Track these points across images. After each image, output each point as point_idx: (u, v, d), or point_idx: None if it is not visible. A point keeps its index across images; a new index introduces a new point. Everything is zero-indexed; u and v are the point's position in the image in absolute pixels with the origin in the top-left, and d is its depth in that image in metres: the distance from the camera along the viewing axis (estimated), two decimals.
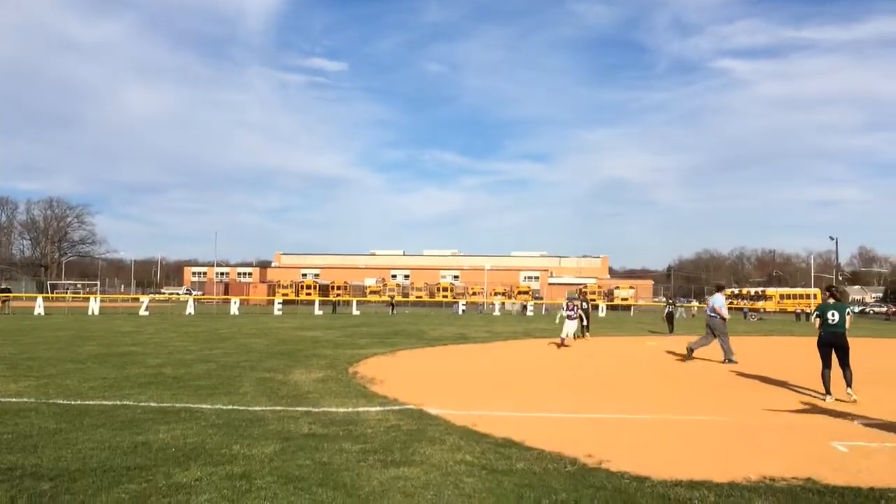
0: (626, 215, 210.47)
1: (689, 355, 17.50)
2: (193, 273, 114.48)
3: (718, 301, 17.81)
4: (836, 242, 77.48)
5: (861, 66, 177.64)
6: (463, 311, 55.65)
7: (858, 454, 7.19)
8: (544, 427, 8.35)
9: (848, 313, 11.33)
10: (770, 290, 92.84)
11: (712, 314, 17.70)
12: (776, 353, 20.96)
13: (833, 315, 11.29)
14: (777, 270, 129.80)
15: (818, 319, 11.47)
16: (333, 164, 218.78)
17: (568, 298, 13.89)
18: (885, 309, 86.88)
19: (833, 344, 11.27)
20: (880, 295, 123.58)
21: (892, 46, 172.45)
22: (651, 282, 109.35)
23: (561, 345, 21.00)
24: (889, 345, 25.74)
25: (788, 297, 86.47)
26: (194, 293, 79.32)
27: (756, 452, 7.14)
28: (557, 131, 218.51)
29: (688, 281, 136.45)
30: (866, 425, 8.80)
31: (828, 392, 11.16)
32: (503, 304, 66.49)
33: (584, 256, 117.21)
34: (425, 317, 45.85)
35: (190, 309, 43.63)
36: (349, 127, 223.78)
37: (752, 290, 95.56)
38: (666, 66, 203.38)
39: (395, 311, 52.59)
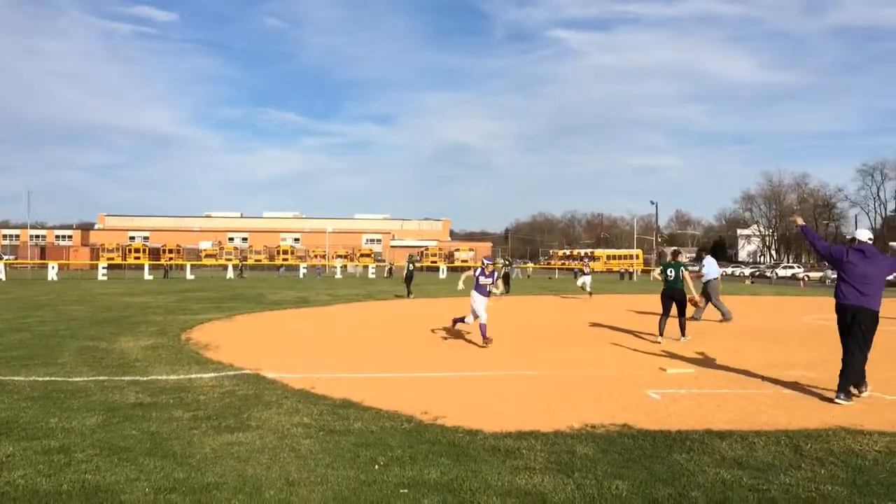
0: (466, 179, 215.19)
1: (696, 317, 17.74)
2: (4, 236, 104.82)
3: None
4: (656, 207, 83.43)
5: (680, 41, 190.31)
6: (304, 274, 54.90)
7: (668, 400, 7.85)
8: (382, 387, 8.45)
9: (682, 271, 13.72)
10: (598, 252, 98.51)
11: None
12: (604, 312, 22.30)
13: (671, 272, 13.65)
14: (604, 233, 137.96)
15: (662, 275, 13.85)
16: (164, 121, 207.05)
17: (484, 261, 13.33)
18: (697, 268, 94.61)
19: (672, 297, 13.62)
20: (693, 255, 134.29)
21: (709, 23, 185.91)
22: (490, 244, 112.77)
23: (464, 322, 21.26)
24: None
25: (614, 257, 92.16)
26: (6, 257, 72.80)
27: (579, 403, 7.61)
28: (399, 94, 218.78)
29: (524, 243, 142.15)
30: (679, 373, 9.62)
31: (661, 334, 13.44)
32: (345, 266, 66.24)
33: (426, 219, 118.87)
34: (264, 280, 44.84)
35: (0, 275, 40.04)
36: (181, 82, 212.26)
37: (583, 252, 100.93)
38: (503, 34, 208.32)
39: (244, 275, 50.61)
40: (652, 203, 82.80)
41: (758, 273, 74.68)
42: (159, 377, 8.87)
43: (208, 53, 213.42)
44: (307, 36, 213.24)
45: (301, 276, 54.63)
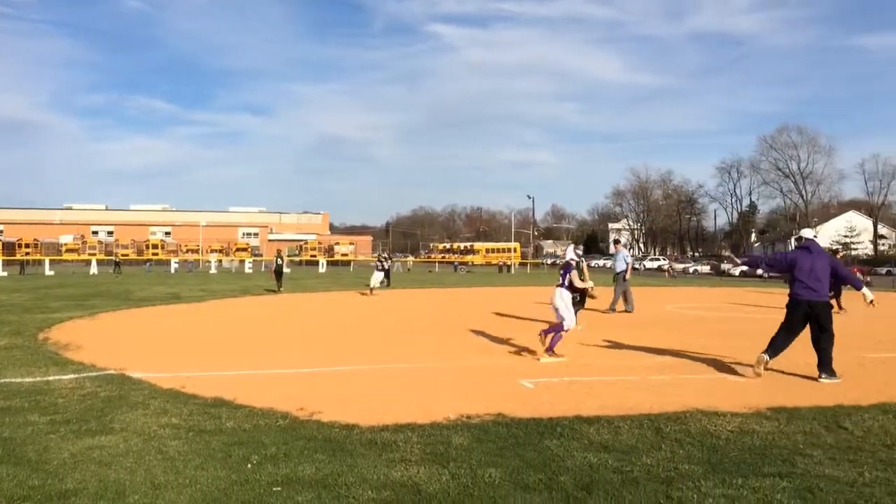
0: (345, 172, 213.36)
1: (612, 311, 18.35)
2: None
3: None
4: (533, 201, 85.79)
5: (553, 41, 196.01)
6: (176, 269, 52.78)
7: (542, 389, 8.09)
8: (257, 384, 8.26)
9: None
10: (477, 245, 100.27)
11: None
12: (482, 304, 22.68)
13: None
14: (483, 227, 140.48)
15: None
16: (18, 106, 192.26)
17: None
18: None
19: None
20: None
21: (580, 24, 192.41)
22: (370, 238, 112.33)
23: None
24: None
25: (493, 251, 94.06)
26: None
27: (456, 394, 7.72)
28: (275, 84, 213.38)
29: (405, 237, 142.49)
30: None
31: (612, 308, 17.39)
32: (220, 261, 64.21)
33: (305, 213, 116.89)
34: (132, 276, 42.78)
35: None
36: (38, 65, 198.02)
37: (462, 245, 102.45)
38: (382, 26, 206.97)
39: (120, 271, 47.79)
40: (529, 198, 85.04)
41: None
42: (13, 380, 8.29)
43: (68, 35, 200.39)
44: (174, 20, 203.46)
45: (172, 271, 52.52)
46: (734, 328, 14.97)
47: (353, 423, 6.28)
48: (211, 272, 51.94)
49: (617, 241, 20.00)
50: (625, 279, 18.64)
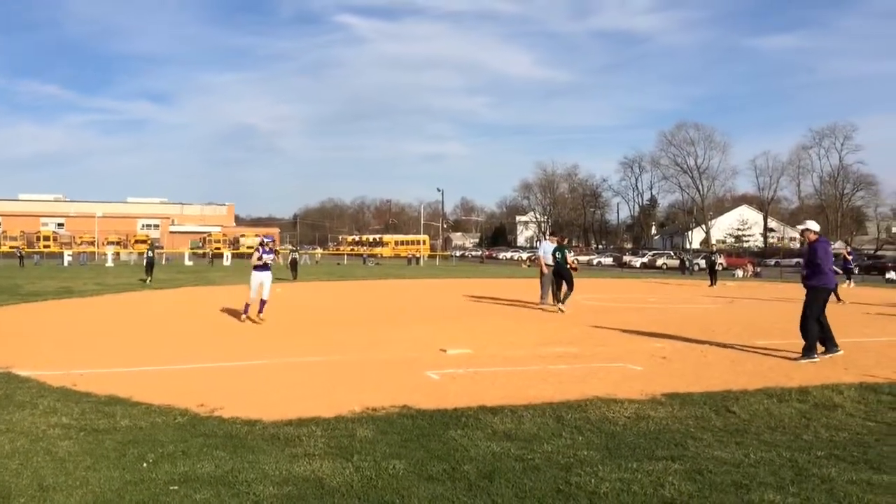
0: (252, 162, 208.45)
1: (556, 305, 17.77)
2: None
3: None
4: (443, 194, 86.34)
5: (463, 35, 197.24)
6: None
7: (447, 380, 8.17)
8: (155, 381, 7.99)
9: (567, 252, 17.48)
10: (387, 237, 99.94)
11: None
12: (388, 296, 22.65)
13: (559, 254, 17.26)
14: (393, 219, 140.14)
15: (551, 256, 17.44)
16: None
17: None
18: (480, 253, 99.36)
19: (558, 273, 17.16)
20: (476, 240, 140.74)
21: (490, 20, 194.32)
22: (278, 230, 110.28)
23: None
24: (476, 284, 29.55)
25: (402, 243, 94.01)
26: None
27: (362, 387, 7.68)
28: (179, 71, 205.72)
29: (313, 229, 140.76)
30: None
31: (555, 302, 17.12)
32: (117, 254, 61.69)
33: (209, 203, 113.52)
34: (21, 270, 40.58)
35: None
36: None
37: (371, 238, 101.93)
38: (291, 15, 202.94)
39: (23, 264, 44.92)
40: (438, 190, 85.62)
41: (534, 257, 79.81)
42: None
43: None
44: (67, 2, 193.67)
45: (65, 264, 50.14)
46: (636, 318, 15.48)
47: (256, 418, 6.16)
48: (108, 265, 49.82)
49: (553, 234, 20.43)
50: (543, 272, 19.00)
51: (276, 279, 15.25)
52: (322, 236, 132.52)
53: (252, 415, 6.27)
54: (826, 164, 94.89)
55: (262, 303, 14.00)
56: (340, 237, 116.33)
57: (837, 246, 58.53)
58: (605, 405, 6.78)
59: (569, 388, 7.65)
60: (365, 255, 72.31)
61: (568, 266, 17.21)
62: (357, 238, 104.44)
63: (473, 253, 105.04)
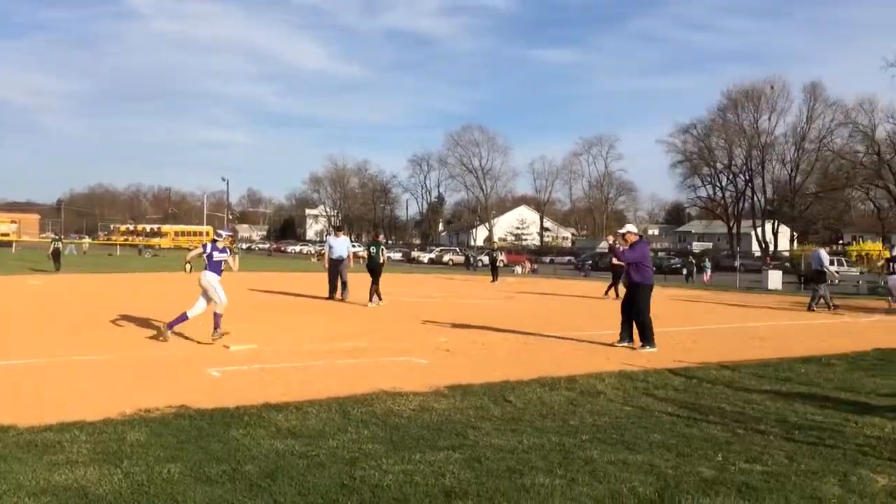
0: (6, 141, 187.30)
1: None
2: None
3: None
4: (228, 184, 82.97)
5: (251, 20, 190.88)
6: None
7: (229, 377, 7.87)
8: None
9: (382, 250, 17.93)
10: (165, 228, 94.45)
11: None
12: (174, 288, 21.46)
13: (373, 250, 17.84)
14: (173, 208, 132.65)
15: (366, 252, 18.06)
16: None
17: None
18: (268, 246, 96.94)
19: (371, 269, 17.41)
20: (264, 233, 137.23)
21: (280, 7, 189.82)
22: (38, 216, 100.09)
23: None
24: (277, 278, 28.78)
25: (183, 234, 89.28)
26: None
27: (135, 387, 7.18)
28: None
29: (80, 216, 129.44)
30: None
31: (379, 299, 17.07)
32: None
33: None
34: None
35: None
36: None
37: (148, 227, 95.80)
38: None
39: None
40: (223, 180, 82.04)
41: (322, 251, 79.21)
42: None
43: None
44: None
45: None
46: (423, 313, 15.87)
47: (9, 424, 5.54)
48: None
49: (338, 228, 20.40)
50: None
51: (36, 270, 13.70)
52: (91, 225, 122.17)
53: (5, 420, 5.63)
54: (594, 170, 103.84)
55: (218, 316, 10.56)
56: (112, 226, 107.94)
57: (602, 246, 63.94)
58: (390, 399, 6.87)
59: (355, 382, 7.67)
60: (141, 247, 67.73)
61: (381, 263, 17.64)
62: (132, 227, 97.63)
63: (261, 246, 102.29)
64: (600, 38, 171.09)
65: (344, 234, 21.77)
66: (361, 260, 21.64)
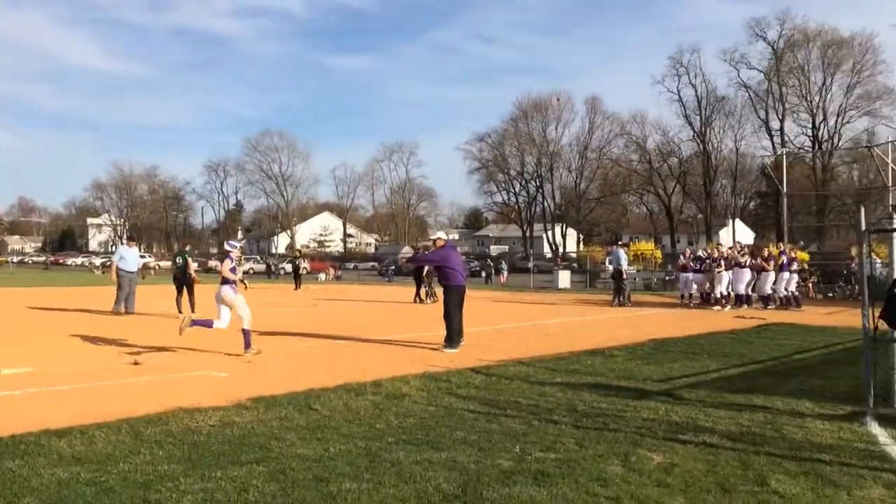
0: None
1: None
2: None
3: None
4: None
5: (8, 9, 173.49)
6: None
7: (1, 404, 7.10)
8: None
9: (188, 260, 17.42)
10: None
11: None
12: None
13: (179, 260, 17.43)
14: None
15: (173, 262, 17.66)
16: None
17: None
18: (44, 258, 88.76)
19: (182, 280, 17.06)
20: (40, 245, 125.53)
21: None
22: None
23: None
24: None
25: None
26: None
27: None
28: None
29: None
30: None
31: (180, 311, 15.81)
32: None
33: None
34: None
35: None
36: None
37: None
38: None
39: None
40: None
41: (108, 262, 73.77)
42: None
43: None
44: None
45: None
46: None
47: None
48: None
49: (131, 238, 19.70)
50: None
51: None
52: None
53: None
54: (396, 176, 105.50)
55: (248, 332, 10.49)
56: None
57: (405, 251, 65.08)
58: (188, 416, 6.53)
59: (149, 400, 7.21)
60: None
61: (188, 274, 17.05)
62: None
63: (36, 259, 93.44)
64: (399, 47, 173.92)
65: (135, 244, 20.50)
66: (153, 271, 20.46)
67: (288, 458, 5.22)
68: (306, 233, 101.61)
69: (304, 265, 38.67)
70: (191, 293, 16.86)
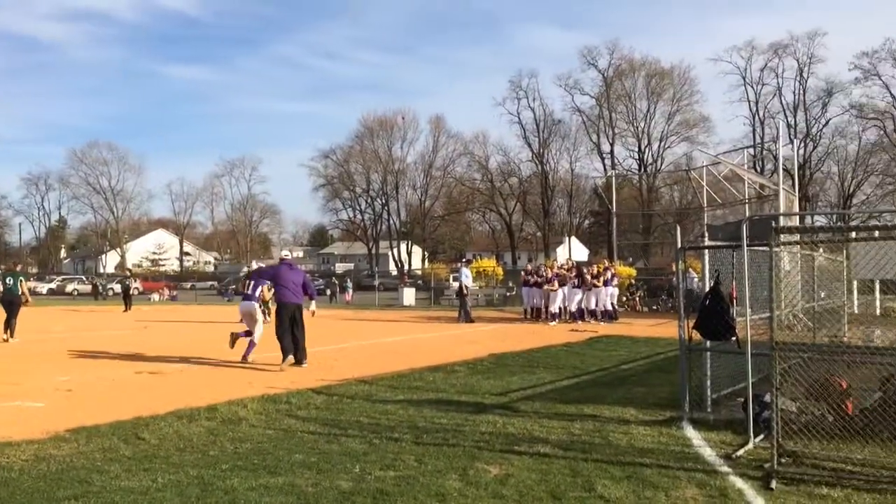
0: None
1: None
2: None
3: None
4: None
5: None
6: None
7: None
8: None
9: (21, 281, 16.43)
10: None
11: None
12: None
13: (10, 281, 16.28)
14: None
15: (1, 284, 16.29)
16: None
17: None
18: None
19: (10, 301, 15.99)
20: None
21: None
22: None
23: None
24: None
25: None
26: None
27: None
28: None
29: None
30: None
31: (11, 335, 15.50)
32: None
33: None
34: None
35: None
36: None
37: None
38: None
39: None
40: None
41: None
42: None
43: None
44: None
45: None
46: (38, 350, 14.10)
47: None
48: None
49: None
50: None
51: None
52: None
53: None
54: (237, 192, 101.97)
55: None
56: None
57: (249, 268, 63.14)
58: None
59: None
60: None
61: (21, 294, 16.25)
62: None
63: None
64: (238, 59, 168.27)
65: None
66: None
67: (111, 491, 4.88)
68: (139, 251, 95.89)
69: (136, 285, 36.57)
70: (14, 316, 15.60)
